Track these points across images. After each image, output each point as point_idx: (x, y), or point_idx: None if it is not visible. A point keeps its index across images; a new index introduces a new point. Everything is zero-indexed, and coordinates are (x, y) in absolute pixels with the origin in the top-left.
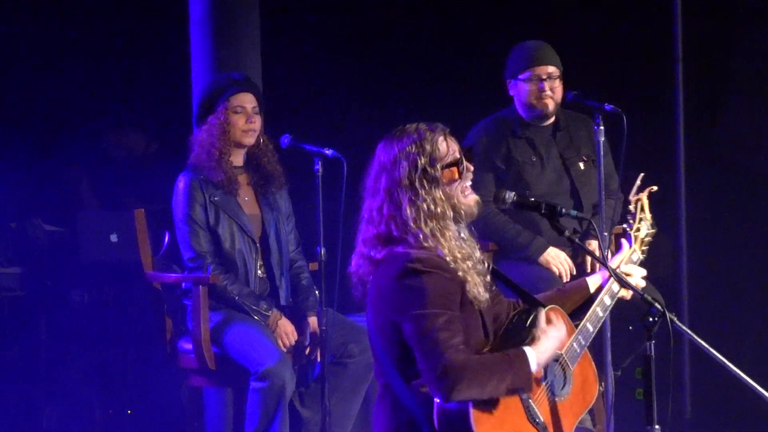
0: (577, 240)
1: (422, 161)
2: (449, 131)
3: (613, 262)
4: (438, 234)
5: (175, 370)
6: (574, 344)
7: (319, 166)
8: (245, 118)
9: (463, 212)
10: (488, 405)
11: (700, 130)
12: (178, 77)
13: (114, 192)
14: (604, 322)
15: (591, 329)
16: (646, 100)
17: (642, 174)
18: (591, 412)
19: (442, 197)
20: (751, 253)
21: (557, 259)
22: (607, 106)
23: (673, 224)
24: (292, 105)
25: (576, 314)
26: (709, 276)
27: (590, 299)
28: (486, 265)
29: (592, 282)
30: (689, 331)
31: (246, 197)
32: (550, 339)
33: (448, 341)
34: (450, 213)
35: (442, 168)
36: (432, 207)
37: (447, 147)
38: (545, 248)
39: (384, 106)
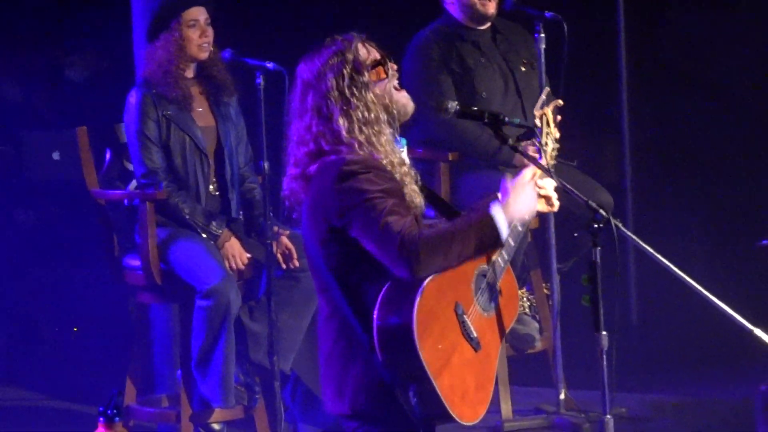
0: (520, 147)
1: (348, 69)
2: (365, 37)
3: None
4: (374, 140)
5: (121, 286)
6: (499, 259)
7: (260, 80)
8: (200, 32)
9: (396, 111)
10: (430, 321)
11: (641, 35)
12: None
13: (56, 110)
14: (548, 229)
15: (512, 243)
16: (586, 6)
17: (547, 89)
18: (538, 320)
19: (374, 100)
20: (695, 157)
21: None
22: (547, 14)
23: (616, 132)
24: (232, 18)
25: None
26: (652, 182)
27: None
28: (417, 175)
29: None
30: (634, 237)
31: (200, 108)
32: (525, 194)
33: (398, 221)
34: (384, 116)
35: (368, 71)
36: (366, 113)
37: (367, 51)
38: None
39: (324, 18)
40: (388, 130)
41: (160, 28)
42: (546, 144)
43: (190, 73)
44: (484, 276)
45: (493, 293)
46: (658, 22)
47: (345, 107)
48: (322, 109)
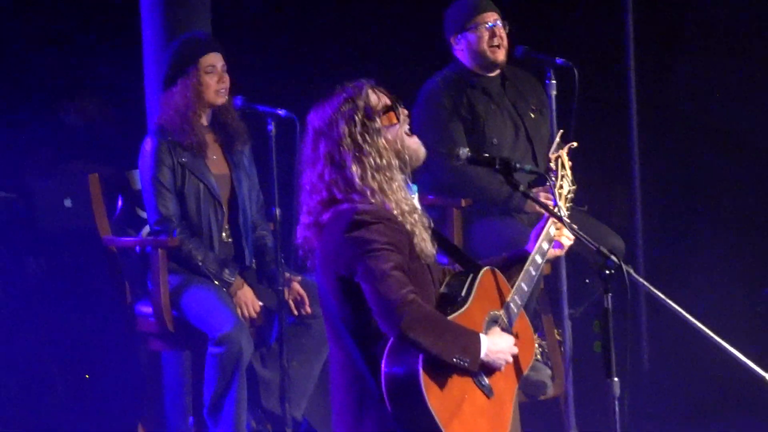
0: (531, 194)
1: (359, 115)
2: (374, 83)
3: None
4: (386, 186)
5: (133, 334)
6: (511, 304)
7: (272, 127)
8: (217, 77)
9: (408, 156)
10: (437, 370)
11: (652, 82)
12: (128, 40)
13: (66, 157)
14: (560, 276)
15: (525, 288)
16: (596, 52)
17: (561, 131)
18: (550, 366)
19: (386, 146)
20: (705, 205)
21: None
22: (558, 60)
23: (627, 177)
24: (243, 66)
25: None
26: (663, 228)
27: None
28: (429, 221)
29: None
30: (646, 283)
31: (214, 156)
32: (504, 342)
33: (402, 279)
34: (395, 162)
35: (380, 116)
36: (377, 159)
37: (377, 96)
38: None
39: (335, 66)
40: (399, 176)
41: (177, 73)
42: (561, 187)
43: (205, 121)
44: (495, 321)
45: None
46: (669, 66)
47: (357, 154)
48: (335, 157)
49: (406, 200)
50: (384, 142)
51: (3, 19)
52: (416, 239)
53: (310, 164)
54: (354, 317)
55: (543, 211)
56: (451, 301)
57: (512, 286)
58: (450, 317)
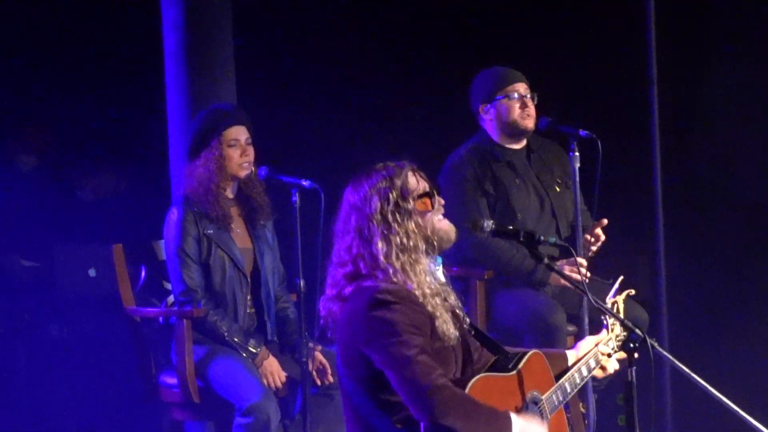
0: (556, 267)
1: (394, 195)
2: (416, 167)
3: (589, 342)
4: (408, 268)
5: (156, 404)
6: (553, 397)
7: (296, 198)
8: (240, 151)
9: (437, 240)
10: None
11: (676, 152)
12: (153, 110)
13: (91, 226)
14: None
15: (568, 389)
16: (621, 124)
17: (621, 277)
18: None
19: (415, 230)
20: (730, 275)
21: (569, 270)
22: (582, 132)
23: (651, 248)
24: (268, 137)
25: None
26: (688, 299)
27: (566, 369)
28: (457, 302)
29: (571, 355)
30: (670, 356)
31: (238, 230)
32: (534, 425)
33: (430, 363)
34: (422, 246)
35: (414, 200)
36: (404, 240)
37: (416, 181)
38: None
39: (360, 138)
40: (425, 260)
41: (201, 146)
42: (612, 330)
43: (230, 194)
44: (536, 404)
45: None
46: (693, 138)
47: (385, 231)
48: (364, 232)
49: (429, 284)
50: (413, 225)
51: (25, 91)
52: (438, 321)
53: (340, 237)
54: (374, 388)
55: (567, 284)
56: (495, 368)
57: (556, 380)
58: (490, 374)
